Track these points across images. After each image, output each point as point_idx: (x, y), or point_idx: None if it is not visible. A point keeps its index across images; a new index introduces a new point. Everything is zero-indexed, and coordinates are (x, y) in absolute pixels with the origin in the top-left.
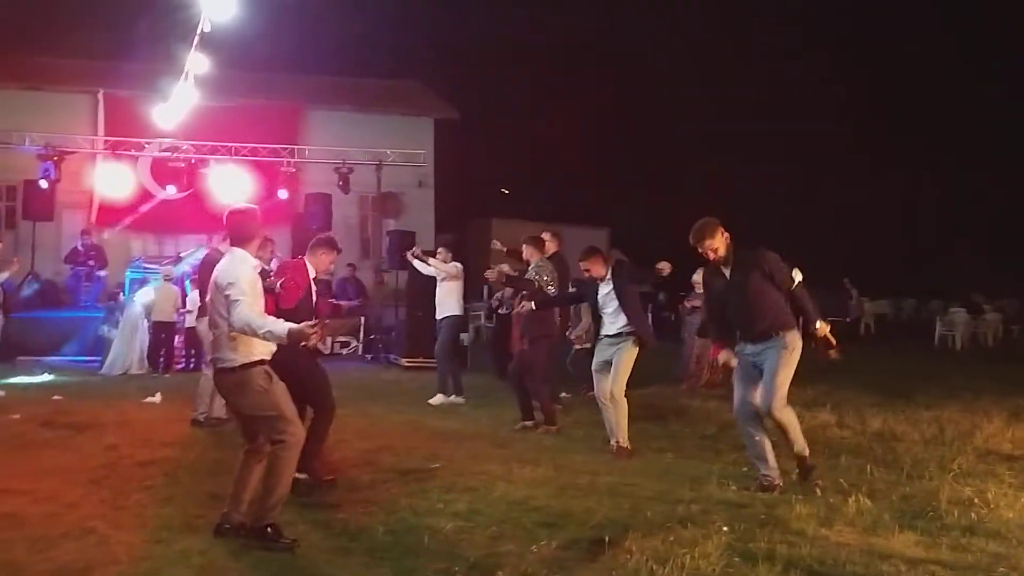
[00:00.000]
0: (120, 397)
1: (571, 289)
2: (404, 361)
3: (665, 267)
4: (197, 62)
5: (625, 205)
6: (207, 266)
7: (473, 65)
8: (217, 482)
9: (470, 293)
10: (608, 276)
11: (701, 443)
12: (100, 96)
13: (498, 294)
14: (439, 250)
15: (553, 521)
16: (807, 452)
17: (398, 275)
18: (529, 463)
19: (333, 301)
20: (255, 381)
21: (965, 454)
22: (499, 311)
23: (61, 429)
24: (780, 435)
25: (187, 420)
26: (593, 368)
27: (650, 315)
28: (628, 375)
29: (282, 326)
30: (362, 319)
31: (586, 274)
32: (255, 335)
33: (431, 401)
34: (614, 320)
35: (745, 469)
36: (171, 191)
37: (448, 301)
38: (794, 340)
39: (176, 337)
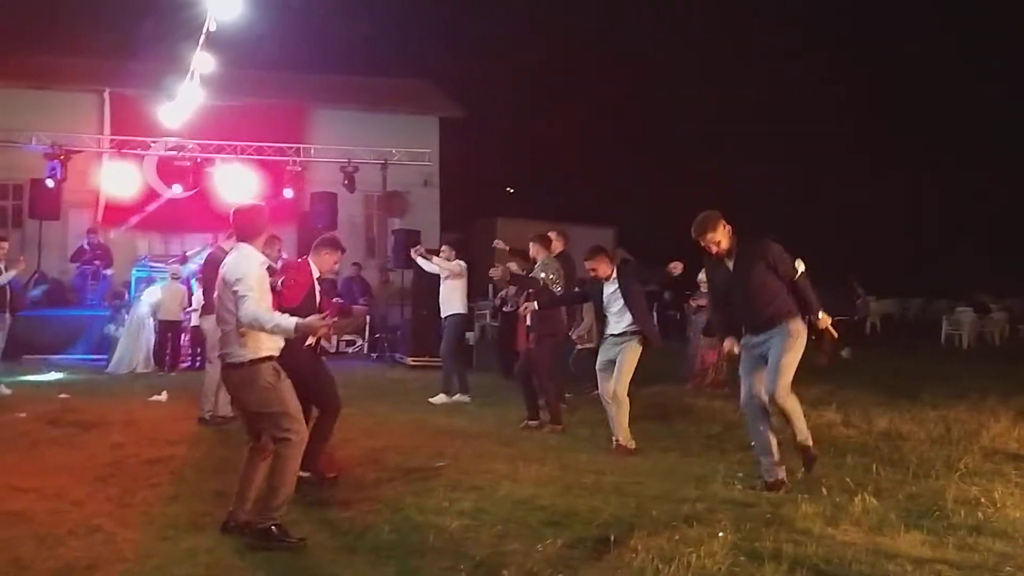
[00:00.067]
0: (126, 395)
1: (576, 289)
2: (409, 360)
3: (677, 267)
4: (203, 61)
5: (630, 204)
6: (211, 264)
7: (478, 64)
8: (223, 480)
9: (475, 292)
10: (613, 275)
11: (706, 442)
12: (106, 95)
13: (502, 292)
14: (443, 248)
15: (559, 520)
16: (810, 442)
17: (403, 274)
18: (535, 462)
19: (339, 301)
20: (263, 377)
21: (971, 453)
22: (503, 309)
23: (67, 427)
24: (784, 427)
25: (193, 418)
26: (597, 367)
27: (655, 314)
28: (631, 375)
29: (290, 320)
30: (367, 317)
31: (591, 274)
32: (263, 330)
33: (432, 400)
34: (619, 319)
35: (741, 475)
36: (177, 190)
37: (452, 299)
38: (798, 328)
39: (182, 336)
